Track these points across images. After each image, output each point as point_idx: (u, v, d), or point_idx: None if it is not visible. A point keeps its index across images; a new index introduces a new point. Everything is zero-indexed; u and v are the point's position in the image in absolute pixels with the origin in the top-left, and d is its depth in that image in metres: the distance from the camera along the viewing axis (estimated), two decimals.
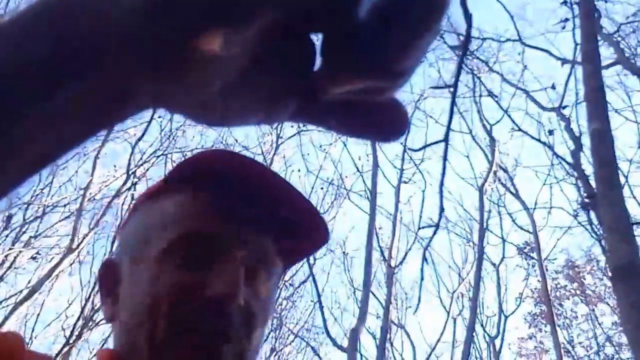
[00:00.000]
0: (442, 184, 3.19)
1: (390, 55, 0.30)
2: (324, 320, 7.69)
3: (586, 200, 5.91)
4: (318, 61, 0.32)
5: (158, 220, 0.68)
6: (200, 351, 0.61)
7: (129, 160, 9.66)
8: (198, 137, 10.55)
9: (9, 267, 9.45)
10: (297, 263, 0.79)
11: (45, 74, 0.27)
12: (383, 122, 0.34)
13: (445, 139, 3.14)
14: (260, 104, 0.33)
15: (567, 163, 7.78)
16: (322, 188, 10.20)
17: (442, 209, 3.31)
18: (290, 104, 0.33)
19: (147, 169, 9.94)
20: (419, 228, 9.66)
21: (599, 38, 5.94)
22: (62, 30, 0.27)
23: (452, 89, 3.33)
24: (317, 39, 0.31)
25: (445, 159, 3.09)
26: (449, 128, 3.23)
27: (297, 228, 0.70)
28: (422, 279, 3.80)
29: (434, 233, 3.55)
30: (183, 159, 0.72)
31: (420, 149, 3.75)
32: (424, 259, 3.52)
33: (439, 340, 9.39)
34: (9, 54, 0.27)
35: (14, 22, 0.28)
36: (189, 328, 0.61)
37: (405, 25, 0.29)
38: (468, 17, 3.39)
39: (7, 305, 8.96)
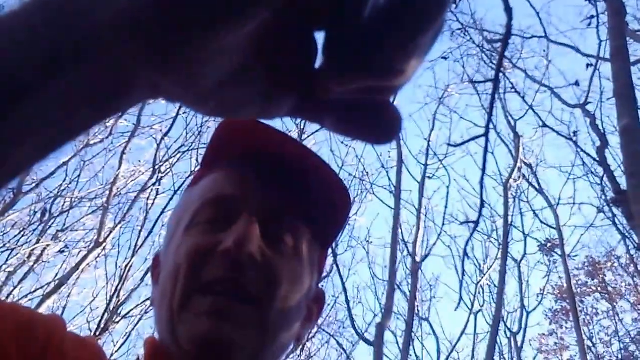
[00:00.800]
0: (482, 178, 3.22)
1: (393, 54, 0.29)
2: (350, 314, 7.75)
3: (614, 196, 5.89)
4: (320, 59, 0.31)
5: (188, 203, 0.71)
6: (210, 310, 0.60)
7: (155, 155, 9.77)
8: None
9: (37, 260, 9.60)
10: (330, 238, 0.77)
11: (51, 59, 0.27)
12: (377, 125, 0.33)
13: (486, 134, 3.18)
14: (257, 97, 0.33)
15: (593, 159, 7.78)
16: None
17: (482, 204, 3.34)
18: (287, 99, 0.33)
19: (173, 164, 10.04)
20: (443, 224, 9.72)
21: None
22: (70, 16, 0.27)
23: (493, 83, 3.37)
24: (320, 37, 0.31)
25: (485, 153, 3.13)
26: (489, 122, 3.27)
27: (320, 197, 0.69)
28: (463, 274, 3.83)
29: (474, 229, 3.55)
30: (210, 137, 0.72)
31: (461, 144, 3.78)
32: (465, 254, 3.53)
33: (462, 333, 9.41)
34: (13, 39, 0.27)
35: (21, 10, 0.28)
36: (202, 288, 0.61)
37: (408, 23, 0.29)
38: (509, 10, 3.41)
39: (35, 298, 9.11)
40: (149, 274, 0.80)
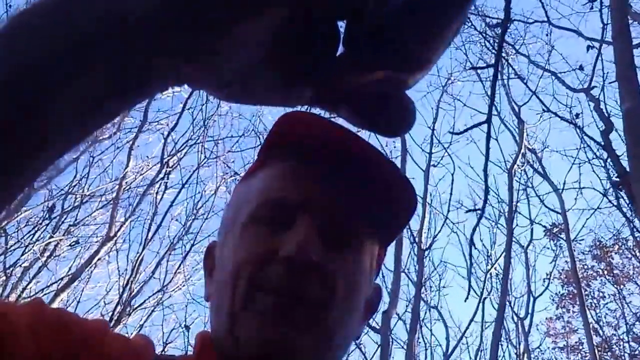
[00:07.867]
0: (486, 166, 3.27)
1: (414, 46, 0.30)
2: None
3: (617, 179, 5.95)
4: (341, 49, 0.32)
5: (246, 197, 0.69)
6: (272, 312, 0.60)
7: (162, 150, 9.89)
8: (229, 126, 10.73)
9: (50, 256, 9.75)
10: (393, 236, 0.75)
11: (82, 51, 0.27)
12: (391, 117, 0.34)
13: (488, 120, 3.23)
14: (278, 86, 0.33)
15: (597, 143, 7.79)
16: None
17: (487, 192, 3.38)
18: (308, 88, 0.34)
19: (180, 158, 10.16)
20: (448, 211, 9.79)
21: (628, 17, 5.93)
22: (101, 4, 0.28)
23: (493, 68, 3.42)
24: (342, 26, 0.32)
25: (488, 140, 3.19)
26: (490, 108, 3.32)
27: (384, 197, 0.66)
28: (471, 264, 3.86)
29: (480, 217, 3.54)
30: (271, 126, 0.68)
31: (463, 132, 3.83)
32: (472, 243, 3.54)
33: (471, 320, 9.49)
34: (42, 34, 0.28)
35: (48, 4, 0.29)
36: (264, 290, 0.61)
37: (431, 15, 0.29)
38: None
39: (49, 293, 9.26)
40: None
